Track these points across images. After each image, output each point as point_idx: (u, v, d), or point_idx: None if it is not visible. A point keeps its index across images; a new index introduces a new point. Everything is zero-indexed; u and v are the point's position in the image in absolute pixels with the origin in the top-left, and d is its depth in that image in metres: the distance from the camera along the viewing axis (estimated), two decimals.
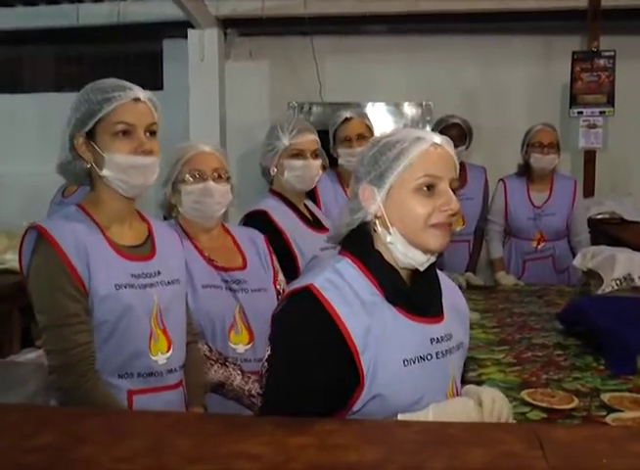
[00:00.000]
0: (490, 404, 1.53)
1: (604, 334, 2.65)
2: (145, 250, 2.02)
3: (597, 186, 5.51)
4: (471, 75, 5.72)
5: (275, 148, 2.97)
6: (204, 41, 5.57)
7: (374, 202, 1.62)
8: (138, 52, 6.46)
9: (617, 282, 3.22)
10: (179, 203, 2.45)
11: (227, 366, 2.32)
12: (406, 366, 1.56)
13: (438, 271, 1.77)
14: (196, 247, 2.43)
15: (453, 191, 1.60)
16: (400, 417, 1.51)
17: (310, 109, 5.56)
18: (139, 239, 2.03)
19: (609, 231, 4.65)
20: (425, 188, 1.57)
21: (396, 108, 5.63)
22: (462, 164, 4.23)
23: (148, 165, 1.92)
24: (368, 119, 3.67)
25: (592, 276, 3.45)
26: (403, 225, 1.59)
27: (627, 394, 2.19)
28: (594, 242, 4.14)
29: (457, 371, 1.71)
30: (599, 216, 4.95)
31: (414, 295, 1.62)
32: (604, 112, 5.46)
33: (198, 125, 5.53)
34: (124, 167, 1.90)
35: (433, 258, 1.64)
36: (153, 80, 6.23)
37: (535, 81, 5.68)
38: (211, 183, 2.41)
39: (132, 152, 1.89)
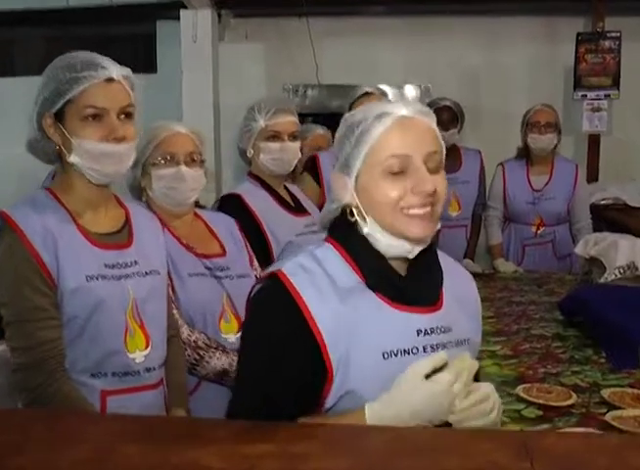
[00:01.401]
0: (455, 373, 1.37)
1: (605, 325, 2.53)
2: (121, 237, 1.88)
3: (601, 171, 5.34)
4: (472, 57, 5.55)
5: (251, 129, 2.84)
6: (196, 22, 5.41)
7: (346, 190, 1.46)
8: (131, 34, 6.30)
9: (621, 270, 3.10)
10: (149, 186, 2.31)
11: (229, 353, 2.20)
12: (386, 359, 1.40)
13: (447, 258, 1.62)
14: (172, 234, 2.29)
15: (435, 168, 1.42)
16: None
17: (306, 91, 5.41)
18: (115, 226, 1.88)
19: (612, 217, 4.50)
20: (394, 170, 1.41)
21: (394, 90, 5.46)
22: (456, 148, 4.12)
23: (121, 153, 1.77)
24: (387, 97, 3.53)
25: (594, 264, 3.32)
26: (377, 213, 1.44)
27: (629, 390, 2.07)
28: (597, 228, 4.01)
29: None
30: (602, 202, 4.80)
31: (402, 282, 1.46)
32: (609, 95, 5.28)
33: (191, 108, 5.38)
34: (95, 155, 1.75)
35: (423, 245, 1.48)
36: (146, 63, 6.11)
37: (538, 63, 5.50)
38: (184, 168, 2.27)
39: (103, 138, 1.74)
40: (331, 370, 1.38)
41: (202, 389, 2.20)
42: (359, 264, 1.46)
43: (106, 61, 1.76)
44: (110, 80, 1.74)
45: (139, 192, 2.36)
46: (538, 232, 4.02)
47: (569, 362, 2.36)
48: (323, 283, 1.42)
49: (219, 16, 5.69)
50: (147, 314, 1.85)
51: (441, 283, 1.53)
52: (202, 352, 2.17)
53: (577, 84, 5.30)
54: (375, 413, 1.35)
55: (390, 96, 5.02)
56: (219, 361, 2.16)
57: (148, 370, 1.84)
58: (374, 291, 1.44)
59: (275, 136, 2.82)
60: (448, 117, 4.06)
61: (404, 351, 1.42)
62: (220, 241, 2.39)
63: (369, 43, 5.55)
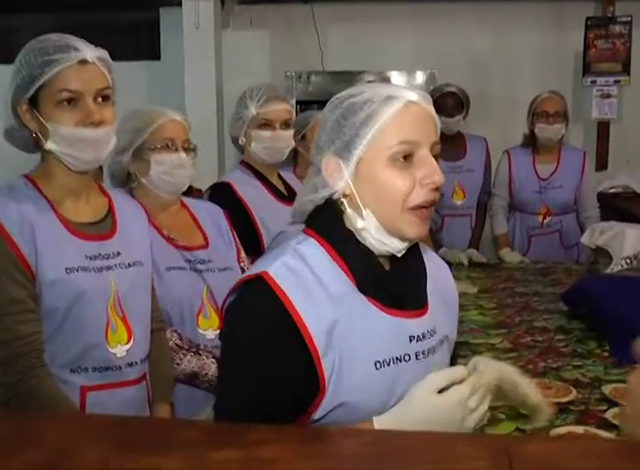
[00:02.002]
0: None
1: (610, 318, 2.46)
2: (104, 227, 1.80)
3: (610, 159, 5.25)
4: (479, 43, 5.45)
5: (242, 117, 2.77)
6: (199, 9, 5.32)
7: (340, 177, 1.34)
8: (134, 21, 6.23)
9: (627, 261, 3.02)
10: (142, 172, 2.22)
11: (200, 355, 2.11)
12: (378, 369, 1.30)
13: (422, 247, 1.50)
14: (153, 225, 2.22)
15: (437, 156, 1.33)
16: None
17: (309, 78, 5.32)
18: (97, 215, 1.81)
19: (620, 206, 4.41)
20: (401, 158, 1.29)
21: (398, 76, 5.37)
22: (461, 135, 4.03)
23: (99, 138, 1.69)
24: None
25: (601, 254, 3.24)
26: (378, 206, 1.32)
27: None
28: (605, 217, 3.91)
29: None
30: (611, 190, 4.70)
31: (392, 283, 1.36)
32: (619, 81, 5.18)
33: (193, 96, 5.32)
34: (71, 141, 1.67)
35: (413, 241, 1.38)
36: (150, 50, 6.06)
37: (547, 49, 5.39)
38: (183, 154, 2.20)
39: (79, 123, 1.66)
40: (323, 380, 1.27)
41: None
42: (348, 264, 1.34)
43: (79, 42, 1.69)
44: (83, 62, 1.67)
45: (123, 179, 2.28)
46: (545, 222, 3.92)
47: (570, 356, 2.29)
48: (312, 285, 1.30)
49: (223, 3, 5.62)
50: (130, 307, 1.78)
51: (426, 281, 1.44)
52: (172, 354, 2.10)
53: (587, 70, 5.20)
54: (384, 427, 1.26)
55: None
56: (189, 364, 2.08)
57: (130, 365, 1.78)
58: (364, 294, 1.34)
59: (266, 124, 2.75)
60: (453, 103, 3.96)
61: (396, 358, 1.32)
62: (204, 232, 2.31)
63: (374, 29, 5.46)
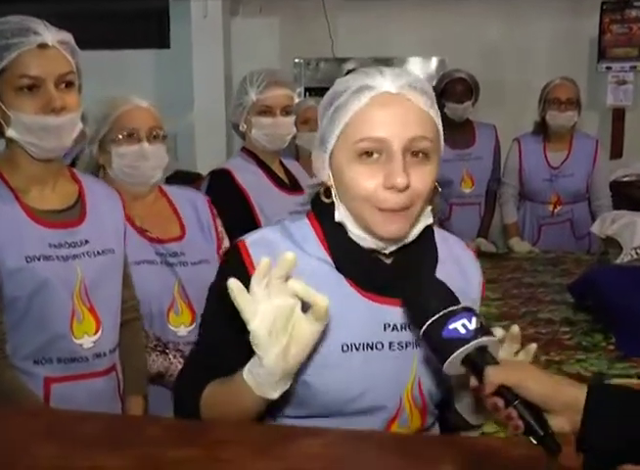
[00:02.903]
0: None
1: (617, 309, 2.38)
2: (72, 215, 1.74)
3: (625, 147, 5.15)
4: (491, 29, 5.37)
5: (243, 103, 2.70)
6: None
7: (323, 168, 1.31)
8: (144, 9, 6.20)
9: (638, 251, 2.94)
10: (108, 164, 2.15)
11: (167, 354, 2.03)
12: (345, 352, 1.26)
13: (449, 240, 1.43)
14: (126, 216, 2.15)
15: (421, 157, 1.23)
16: None
17: (318, 65, 5.26)
18: (65, 202, 1.75)
19: (634, 194, 4.31)
20: (366, 155, 1.23)
21: (407, 63, 5.29)
22: (470, 122, 3.95)
23: (61, 125, 1.62)
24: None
25: (611, 244, 3.16)
26: (347, 200, 1.27)
27: (635, 380, 1.94)
28: (618, 206, 3.81)
29: (429, 371, 1.33)
30: (625, 179, 4.60)
31: (381, 270, 1.31)
32: (634, 66, 5.08)
33: (202, 84, 5.29)
34: (33, 129, 1.61)
35: (398, 244, 1.29)
36: (159, 39, 6.03)
37: (561, 35, 5.30)
38: (147, 145, 2.10)
39: (40, 110, 1.60)
40: None
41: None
42: (331, 247, 1.31)
43: (39, 25, 1.62)
44: (44, 47, 1.60)
45: (96, 170, 2.20)
46: (555, 211, 3.83)
47: (574, 349, 2.22)
48: None
49: None
50: (98, 296, 1.73)
51: (430, 272, 1.34)
52: None
53: (602, 56, 5.11)
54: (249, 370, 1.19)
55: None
56: (154, 364, 2.01)
57: (98, 356, 1.72)
58: (344, 275, 1.29)
59: (267, 111, 2.68)
60: (462, 89, 3.87)
61: (367, 345, 1.27)
62: (182, 222, 2.23)
63: (385, 15, 5.41)
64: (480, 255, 3.57)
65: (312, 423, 1.28)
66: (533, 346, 1.30)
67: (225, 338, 1.28)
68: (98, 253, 1.74)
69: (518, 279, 3.11)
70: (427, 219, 1.30)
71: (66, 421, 1.15)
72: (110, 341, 1.77)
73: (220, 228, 2.28)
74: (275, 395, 1.18)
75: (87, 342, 1.69)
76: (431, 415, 1.37)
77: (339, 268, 1.29)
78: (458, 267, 1.40)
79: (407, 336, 1.30)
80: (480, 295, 1.44)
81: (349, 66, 5.13)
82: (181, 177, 3.58)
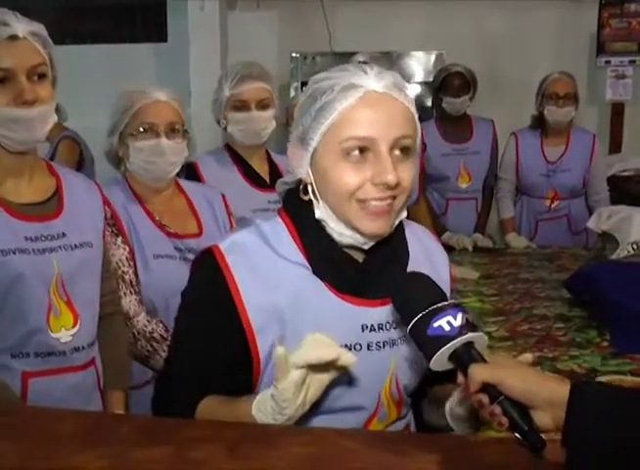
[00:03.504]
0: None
1: (612, 305, 2.36)
2: (48, 208, 1.71)
3: (625, 142, 5.11)
4: (490, 23, 5.33)
5: (219, 99, 2.67)
6: None
7: (301, 165, 1.30)
8: (142, 3, 6.18)
9: (634, 246, 2.93)
10: (127, 158, 2.15)
11: None
12: None
13: (418, 232, 1.45)
14: (145, 210, 2.15)
15: (405, 154, 1.24)
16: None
17: (314, 59, 5.22)
18: (41, 196, 1.72)
19: (632, 189, 4.29)
20: (354, 153, 1.23)
21: (405, 58, 5.25)
22: (467, 117, 3.93)
23: (33, 118, 1.59)
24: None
25: (608, 239, 3.14)
26: (329, 197, 1.27)
27: (629, 377, 1.92)
28: (616, 201, 3.79)
29: (405, 367, 1.35)
30: (623, 174, 4.57)
31: (355, 271, 1.31)
32: (634, 61, 5.04)
33: (198, 79, 5.25)
34: (3, 121, 1.58)
35: (378, 239, 1.30)
36: (157, 32, 6.00)
37: (560, 29, 5.26)
38: (164, 140, 2.10)
39: (11, 102, 1.57)
40: (257, 360, 1.26)
41: (150, 387, 2.06)
42: (307, 248, 1.31)
43: (9, 16, 1.59)
44: (14, 38, 1.57)
45: (116, 161, 2.21)
46: (552, 206, 3.81)
47: (568, 345, 2.20)
48: (263, 263, 1.29)
49: None
50: (75, 290, 1.70)
51: (402, 271, 1.35)
52: (155, 345, 2.04)
53: (601, 50, 5.07)
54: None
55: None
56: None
57: (76, 350, 1.70)
58: (320, 278, 1.29)
59: (241, 106, 2.63)
60: (460, 83, 3.83)
61: (346, 346, 1.26)
62: (199, 219, 2.24)
63: (383, 9, 5.37)
64: (478, 250, 3.57)
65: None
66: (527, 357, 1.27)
67: (206, 348, 1.29)
68: (75, 246, 1.72)
69: (514, 275, 3.09)
70: (403, 214, 1.32)
71: (37, 419, 1.12)
72: (88, 335, 1.75)
73: (235, 225, 2.28)
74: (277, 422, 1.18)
75: (65, 335, 1.67)
76: (405, 405, 1.39)
77: (315, 271, 1.29)
78: (429, 261, 1.41)
79: (384, 336, 1.31)
80: (449, 287, 1.44)
81: (346, 60, 5.09)
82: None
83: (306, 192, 1.31)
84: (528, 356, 1.19)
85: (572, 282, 2.68)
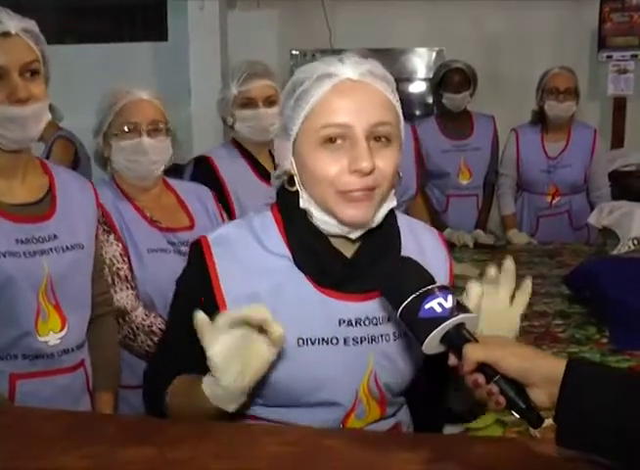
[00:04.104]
0: None
1: (612, 302, 2.34)
2: (41, 209, 1.70)
3: (627, 136, 5.09)
4: (491, 19, 5.32)
5: (226, 97, 2.68)
6: None
7: (285, 157, 1.31)
8: (142, 2, 6.17)
9: (635, 242, 2.90)
10: (111, 158, 2.15)
11: None
12: (301, 346, 1.27)
13: (417, 228, 1.43)
14: (135, 207, 2.15)
15: (384, 142, 1.24)
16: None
17: (314, 56, 5.21)
18: (34, 196, 1.70)
19: (634, 185, 4.26)
20: (330, 141, 1.23)
21: (405, 55, 5.24)
22: (468, 113, 3.91)
23: (27, 116, 1.58)
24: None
25: (609, 235, 3.12)
26: (312, 189, 1.28)
27: None
28: (618, 197, 3.76)
29: (386, 365, 1.33)
30: (625, 169, 4.55)
31: (341, 264, 1.30)
32: (635, 55, 5.02)
33: (198, 78, 5.27)
34: None
35: (363, 229, 1.29)
36: (157, 31, 6.00)
37: (561, 24, 5.25)
38: (146, 139, 2.09)
39: (4, 101, 1.55)
40: None
41: None
42: (291, 241, 1.32)
43: (1, 13, 1.57)
44: (6, 35, 1.56)
45: (103, 161, 2.21)
46: (553, 202, 3.79)
47: (567, 342, 2.19)
48: (248, 256, 1.31)
49: None
50: (65, 293, 1.69)
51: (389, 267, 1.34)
52: (155, 339, 2.03)
53: (602, 45, 5.04)
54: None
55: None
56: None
57: (65, 352, 1.69)
58: (302, 271, 1.29)
59: (249, 103, 2.65)
60: (460, 79, 3.81)
61: (322, 339, 1.28)
62: (190, 213, 2.24)
63: (384, 6, 5.36)
64: (479, 247, 3.56)
65: (271, 412, 1.30)
66: (527, 282, 1.32)
67: (190, 332, 1.24)
68: (67, 248, 1.70)
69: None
70: (390, 203, 1.31)
71: (24, 419, 1.12)
72: (77, 337, 1.73)
73: (227, 220, 2.28)
74: (231, 408, 1.19)
75: (53, 339, 1.66)
76: (391, 405, 1.38)
77: (297, 264, 1.30)
78: (421, 256, 1.36)
79: (362, 331, 1.31)
80: (446, 275, 1.43)
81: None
82: (173, 170, 3.56)
83: (292, 183, 1.31)
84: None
85: (573, 278, 2.66)
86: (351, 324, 1.30)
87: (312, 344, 1.27)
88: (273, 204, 1.39)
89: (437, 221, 3.73)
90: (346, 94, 1.24)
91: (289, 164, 1.31)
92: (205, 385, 1.18)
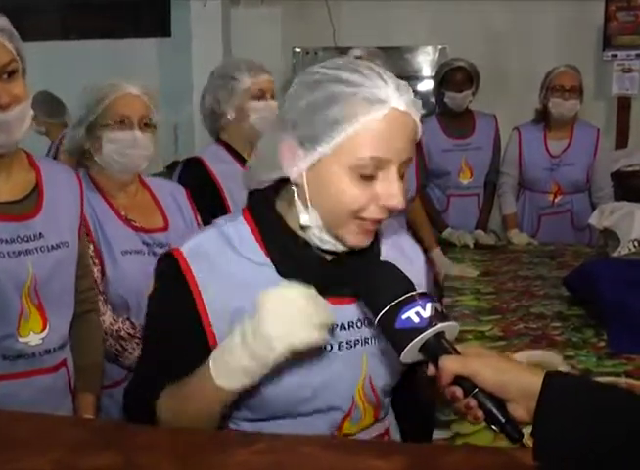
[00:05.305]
0: None
1: (610, 305, 2.31)
2: (27, 206, 1.66)
3: (631, 137, 5.04)
4: (495, 17, 5.27)
5: (234, 89, 2.65)
6: None
7: (295, 165, 1.21)
8: None
9: (635, 243, 2.86)
10: (96, 150, 2.11)
11: None
12: (294, 355, 1.21)
13: (393, 229, 1.41)
14: (110, 206, 2.12)
15: (404, 174, 1.19)
16: None
17: (316, 54, 5.19)
18: (20, 192, 1.66)
19: (637, 185, 4.22)
20: (366, 171, 1.16)
21: (408, 52, 5.21)
22: (469, 112, 3.87)
23: (9, 121, 1.53)
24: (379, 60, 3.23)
25: (610, 236, 3.08)
26: (326, 209, 1.20)
27: (623, 379, 1.86)
28: (621, 197, 3.72)
29: (379, 365, 1.31)
30: (629, 169, 4.50)
31: (322, 268, 1.27)
32: None
33: (201, 74, 5.19)
34: None
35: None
36: (160, 27, 5.98)
37: (566, 22, 5.19)
38: (138, 133, 2.07)
39: None
40: None
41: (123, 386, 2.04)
42: (269, 247, 1.27)
43: None
44: None
45: (79, 155, 2.17)
46: (555, 201, 3.75)
47: (563, 345, 2.15)
48: (227, 269, 1.25)
49: None
50: (48, 293, 1.66)
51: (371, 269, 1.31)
52: (124, 343, 2.01)
53: (607, 44, 5.00)
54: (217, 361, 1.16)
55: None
56: (134, 352, 1.99)
57: (47, 352, 1.66)
58: (286, 279, 1.23)
59: (261, 95, 2.66)
60: (462, 78, 3.78)
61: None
62: (164, 213, 2.21)
63: (387, 4, 5.33)
64: (479, 247, 3.53)
65: (267, 426, 1.25)
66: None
67: (169, 355, 1.26)
68: (52, 247, 1.68)
69: (514, 272, 3.05)
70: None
71: None
72: (59, 337, 1.71)
73: (200, 221, 2.26)
74: (235, 384, 1.14)
75: (34, 339, 1.63)
76: (382, 408, 1.36)
77: (279, 271, 1.25)
78: (401, 254, 1.37)
79: (355, 334, 1.28)
80: (424, 279, 1.41)
81: (355, 53, 5.06)
82: (174, 167, 3.54)
83: (279, 191, 1.27)
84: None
85: (572, 280, 2.62)
86: (344, 327, 1.27)
87: (303, 352, 1.20)
88: (243, 208, 1.34)
89: (438, 221, 3.70)
90: (396, 128, 1.16)
91: (296, 174, 1.22)
92: (212, 359, 1.15)
